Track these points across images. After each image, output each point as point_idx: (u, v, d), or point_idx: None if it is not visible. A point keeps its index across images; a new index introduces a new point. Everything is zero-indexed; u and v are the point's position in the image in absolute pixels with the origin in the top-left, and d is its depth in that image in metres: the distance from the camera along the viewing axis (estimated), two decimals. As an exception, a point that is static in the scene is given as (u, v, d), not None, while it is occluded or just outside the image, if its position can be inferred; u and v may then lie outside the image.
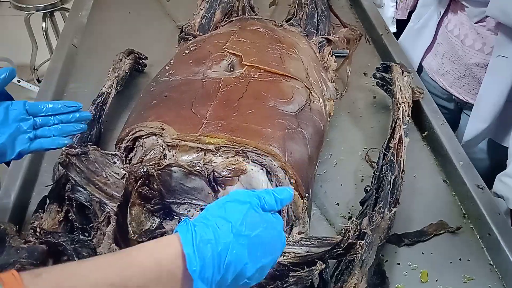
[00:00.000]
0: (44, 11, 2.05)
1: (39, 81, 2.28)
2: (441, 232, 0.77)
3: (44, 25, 2.11)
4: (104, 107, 0.89)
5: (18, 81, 2.17)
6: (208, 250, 0.44)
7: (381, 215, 0.70)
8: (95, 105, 0.88)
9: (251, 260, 0.46)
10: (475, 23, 0.95)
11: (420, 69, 1.17)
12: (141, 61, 1.08)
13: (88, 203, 0.66)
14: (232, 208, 0.48)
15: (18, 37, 2.37)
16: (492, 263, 0.73)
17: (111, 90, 0.92)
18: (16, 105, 0.65)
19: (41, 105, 0.66)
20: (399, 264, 0.72)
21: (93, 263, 0.43)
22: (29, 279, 0.38)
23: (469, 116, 1.06)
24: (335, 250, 0.58)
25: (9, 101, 0.65)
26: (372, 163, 0.88)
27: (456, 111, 1.17)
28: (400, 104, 0.89)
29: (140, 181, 0.64)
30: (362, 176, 0.87)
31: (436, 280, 0.70)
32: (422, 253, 0.74)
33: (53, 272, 0.40)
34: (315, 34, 1.02)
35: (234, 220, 0.47)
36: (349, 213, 0.80)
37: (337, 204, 0.82)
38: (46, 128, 0.66)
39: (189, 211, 0.67)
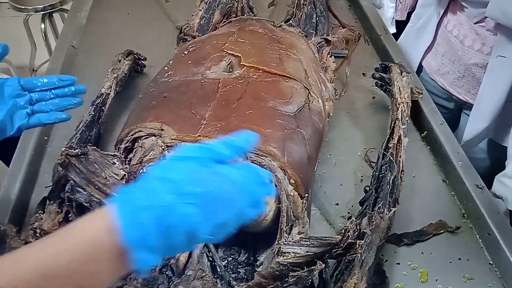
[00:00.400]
0: (43, 12, 2.04)
1: (38, 82, 2.27)
2: (441, 232, 0.77)
3: (43, 26, 2.10)
4: (103, 108, 0.89)
5: (17, 82, 2.16)
6: (146, 216, 0.41)
7: (381, 215, 0.71)
8: (94, 106, 0.87)
9: (204, 218, 0.43)
10: (475, 23, 0.96)
11: (420, 69, 1.18)
12: (140, 62, 1.08)
13: (88, 204, 0.66)
14: (176, 166, 0.45)
15: (17, 38, 2.37)
16: (491, 262, 0.73)
17: (110, 91, 0.92)
18: (11, 81, 0.65)
19: (36, 80, 0.67)
20: (398, 264, 0.72)
21: (16, 256, 0.39)
22: None
23: (468, 116, 1.07)
24: (334, 250, 0.58)
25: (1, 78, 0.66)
26: (372, 163, 0.88)
27: (456, 111, 1.17)
28: (399, 104, 0.89)
29: (139, 182, 0.64)
30: (362, 176, 0.87)
31: (436, 280, 0.70)
32: (422, 252, 0.74)
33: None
34: (314, 35, 1.02)
35: (178, 178, 0.43)
36: (348, 213, 0.80)
37: (337, 204, 0.82)
38: (42, 103, 0.67)
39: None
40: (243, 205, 0.46)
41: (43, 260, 0.38)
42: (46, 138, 0.91)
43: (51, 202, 0.68)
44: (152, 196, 0.42)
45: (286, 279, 0.56)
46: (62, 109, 0.68)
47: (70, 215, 0.66)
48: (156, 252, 0.41)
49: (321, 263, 0.56)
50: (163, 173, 0.44)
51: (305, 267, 0.58)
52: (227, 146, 0.47)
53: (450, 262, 0.73)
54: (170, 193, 0.42)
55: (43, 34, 2.13)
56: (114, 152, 0.71)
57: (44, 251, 0.39)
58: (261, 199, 0.48)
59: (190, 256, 0.65)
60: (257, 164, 0.64)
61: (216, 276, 0.64)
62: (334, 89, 0.92)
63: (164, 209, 0.41)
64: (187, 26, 1.04)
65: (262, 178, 0.48)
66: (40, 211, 0.67)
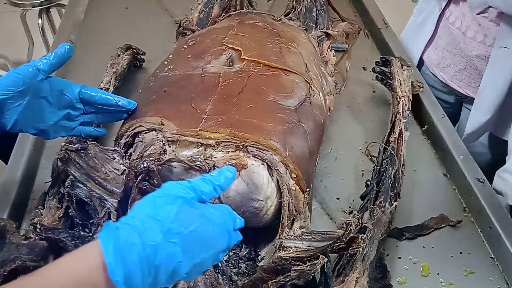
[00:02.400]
0: (40, 7, 2.03)
1: (36, 78, 2.26)
2: (442, 225, 0.77)
3: (40, 21, 2.09)
4: (102, 103, 0.88)
5: (15, 78, 2.15)
6: (133, 255, 0.41)
7: (382, 209, 0.70)
8: (93, 101, 0.87)
9: (186, 257, 0.44)
10: (477, 14, 0.95)
11: (420, 63, 1.17)
12: (139, 57, 1.07)
13: (88, 199, 0.65)
14: (162, 204, 0.45)
15: (14, 33, 2.35)
16: (493, 256, 0.73)
17: (109, 85, 0.92)
18: (71, 90, 0.65)
19: (96, 96, 0.67)
20: (400, 258, 0.72)
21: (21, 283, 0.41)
22: None
23: (469, 110, 1.06)
24: (336, 244, 0.58)
25: (65, 80, 0.65)
26: (372, 158, 0.88)
27: (456, 105, 1.17)
28: (400, 98, 0.89)
29: (140, 177, 0.63)
30: (363, 171, 0.86)
31: (437, 274, 0.70)
32: (423, 246, 0.74)
33: None
34: (314, 29, 1.02)
35: (164, 217, 0.44)
36: (349, 207, 0.80)
37: (338, 198, 0.82)
38: (94, 116, 0.69)
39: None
40: (220, 247, 0.48)
41: None
42: (45, 133, 0.90)
43: (51, 197, 0.67)
44: (142, 233, 0.42)
45: (288, 273, 0.56)
46: (102, 123, 0.71)
47: (70, 211, 0.65)
48: None
49: (324, 257, 0.55)
50: (152, 211, 0.44)
51: (307, 262, 0.58)
52: (208, 184, 0.49)
53: (452, 256, 0.73)
54: (158, 231, 0.43)
55: (41, 29, 2.12)
56: (114, 147, 0.70)
57: (35, 284, 0.40)
58: (234, 242, 0.50)
59: (191, 251, 0.65)
60: (258, 158, 0.64)
61: (217, 271, 0.64)
62: (335, 83, 0.92)
63: (151, 247, 0.42)
64: (186, 20, 1.03)
65: (236, 220, 0.51)
66: (40, 207, 0.67)
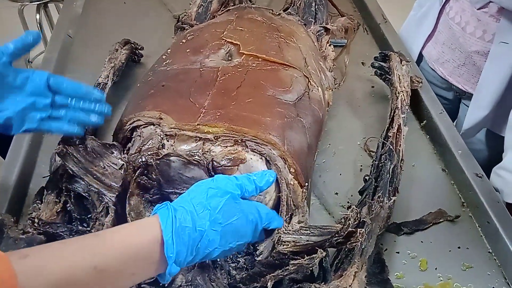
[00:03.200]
0: (38, 3, 2.02)
1: (34, 73, 2.25)
2: (440, 220, 0.77)
3: (38, 16, 2.08)
4: (100, 97, 0.88)
5: (13, 74, 2.14)
6: (185, 236, 0.48)
7: (380, 204, 0.70)
8: (91, 96, 0.86)
9: (221, 244, 0.51)
10: (478, 9, 0.95)
11: (420, 58, 1.17)
12: (137, 52, 1.07)
13: (86, 194, 0.65)
14: (214, 196, 0.51)
15: (12, 29, 2.34)
16: (491, 251, 0.73)
17: (108, 80, 0.91)
18: (39, 76, 0.59)
19: (66, 83, 0.61)
20: (398, 252, 0.73)
21: (77, 245, 0.44)
22: (16, 260, 0.39)
23: (467, 106, 1.06)
24: (335, 239, 0.58)
25: (32, 69, 0.61)
26: (371, 153, 0.88)
27: (455, 101, 1.17)
28: (398, 93, 0.89)
29: (138, 171, 0.63)
30: (361, 166, 0.86)
31: (435, 268, 0.70)
32: (421, 241, 0.74)
33: (39, 253, 0.42)
34: (313, 23, 1.01)
35: (213, 207, 0.50)
36: (348, 202, 0.80)
37: (336, 193, 0.82)
38: (63, 110, 0.61)
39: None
40: (247, 240, 0.55)
41: (94, 253, 0.44)
42: (43, 128, 0.90)
43: (49, 192, 0.67)
44: (194, 218, 0.49)
45: (287, 267, 0.56)
46: (77, 122, 0.62)
47: (68, 205, 0.65)
48: (181, 265, 0.49)
49: (322, 251, 0.55)
50: (205, 200, 0.51)
51: (305, 256, 0.58)
52: (251, 184, 0.55)
53: (450, 250, 0.73)
54: (206, 219, 0.49)
55: (38, 25, 2.11)
56: (112, 141, 0.70)
57: (94, 247, 0.45)
58: (254, 239, 0.57)
59: (189, 245, 0.65)
60: (257, 153, 0.64)
61: (215, 265, 0.64)
62: (334, 78, 0.92)
63: (199, 232, 0.49)
64: (185, 15, 1.02)
65: (266, 221, 0.57)
66: (37, 201, 0.67)
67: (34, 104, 0.59)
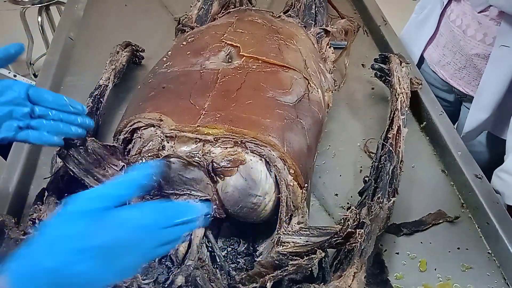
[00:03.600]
0: (39, 5, 2.03)
1: (35, 75, 2.26)
2: (440, 221, 0.77)
3: (40, 19, 2.09)
4: (101, 99, 0.88)
5: (15, 76, 2.15)
6: (41, 280, 0.40)
7: (380, 205, 0.71)
8: (92, 98, 0.87)
9: (105, 268, 0.42)
10: (478, 12, 0.95)
11: (421, 61, 1.17)
12: (138, 54, 1.08)
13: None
14: (71, 221, 0.43)
15: (14, 31, 2.35)
16: (490, 251, 0.73)
17: (109, 82, 0.92)
18: (19, 87, 0.58)
19: (46, 94, 0.60)
20: (398, 253, 0.73)
21: None
22: None
23: (468, 109, 1.06)
24: (334, 239, 0.58)
25: (13, 80, 0.60)
26: (371, 154, 0.88)
27: (456, 104, 1.17)
28: (398, 94, 0.89)
29: (139, 172, 0.63)
30: (361, 167, 0.87)
31: (435, 269, 0.71)
32: (421, 242, 0.74)
33: None
34: (313, 25, 1.02)
35: (72, 234, 0.42)
36: (348, 203, 0.80)
37: (336, 195, 0.82)
38: (42, 120, 0.59)
39: (188, 202, 0.67)
40: (150, 246, 0.46)
41: None
42: (44, 130, 0.90)
43: (50, 193, 0.68)
44: (49, 255, 0.41)
45: (286, 267, 0.56)
46: (58, 133, 0.60)
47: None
48: None
49: (321, 251, 0.56)
50: (60, 229, 0.42)
51: (305, 256, 0.58)
52: (124, 186, 0.46)
53: (449, 251, 0.73)
54: (68, 251, 0.41)
55: (40, 27, 2.12)
56: (113, 143, 0.70)
57: None
58: (176, 236, 0.48)
59: (189, 246, 0.65)
60: (256, 154, 0.64)
61: (215, 266, 0.64)
62: (334, 80, 0.92)
63: (62, 267, 0.40)
64: (186, 17, 1.03)
65: (177, 215, 0.48)
66: (38, 203, 0.67)
67: (12, 112, 0.57)
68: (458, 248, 0.74)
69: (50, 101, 0.59)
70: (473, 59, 1.01)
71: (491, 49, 0.95)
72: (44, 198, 0.67)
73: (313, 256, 0.55)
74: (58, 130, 0.60)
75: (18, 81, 0.60)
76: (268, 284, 0.56)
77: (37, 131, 0.59)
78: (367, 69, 1.08)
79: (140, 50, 1.08)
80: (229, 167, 0.63)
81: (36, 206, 0.66)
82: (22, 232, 0.58)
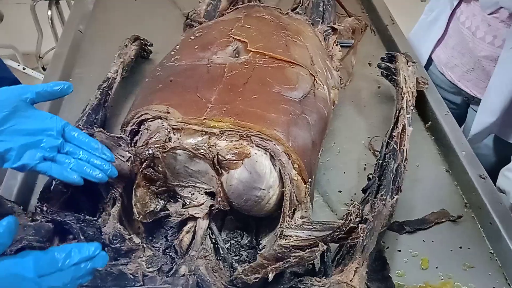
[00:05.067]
0: (49, -1, 2.05)
1: (44, 69, 2.28)
2: (443, 220, 0.77)
3: (49, 13, 2.11)
4: (109, 91, 0.89)
5: (24, 68, 2.18)
6: None
7: (383, 202, 0.71)
8: (100, 90, 0.88)
9: None
10: (488, 14, 0.95)
11: (429, 62, 1.17)
12: (146, 48, 1.09)
13: (94, 184, 0.66)
14: None
15: (24, 25, 2.37)
16: (492, 251, 0.74)
17: (117, 75, 0.93)
18: (55, 120, 0.58)
19: (81, 134, 0.60)
20: (400, 251, 0.73)
21: None
22: None
23: (476, 111, 1.06)
24: (336, 233, 0.58)
25: (53, 115, 0.59)
26: (375, 152, 0.88)
27: (463, 106, 1.17)
28: (404, 93, 0.89)
29: (145, 163, 0.64)
30: (365, 165, 0.87)
31: (436, 267, 0.71)
32: (423, 240, 0.75)
33: None
34: (320, 23, 1.02)
35: None
36: (351, 200, 0.81)
37: (340, 191, 0.82)
38: (70, 157, 0.58)
39: (193, 194, 0.68)
40: None
41: None
42: (52, 120, 0.91)
43: (57, 182, 0.68)
44: None
45: (288, 259, 0.56)
46: (82, 175, 0.59)
47: (78, 196, 0.67)
48: None
49: (323, 244, 0.56)
50: None
51: (307, 250, 0.59)
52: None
53: (451, 250, 0.74)
54: None
55: (50, 21, 2.14)
56: (120, 134, 0.71)
57: None
58: (65, 279, 0.47)
59: (193, 237, 0.66)
60: (261, 148, 0.65)
61: (218, 258, 0.65)
62: (340, 77, 0.92)
63: None
64: (194, 13, 1.04)
65: (61, 259, 0.47)
66: (46, 191, 0.68)
67: (39, 142, 0.56)
68: (460, 247, 0.74)
69: (82, 141, 0.60)
70: (481, 61, 1.01)
71: (500, 51, 0.95)
72: (52, 187, 0.68)
73: (315, 248, 0.55)
74: (82, 171, 0.59)
75: (56, 116, 0.59)
76: (270, 275, 0.56)
77: (60, 165, 0.58)
78: (373, 67, 1.08)
79: (149, 44, 1.09)
80: (234, 160, 0.64)
81: (44, 194, 0.67)
82: (30, 218, 0.59)
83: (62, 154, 0.58)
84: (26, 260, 0.46)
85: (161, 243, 0.69)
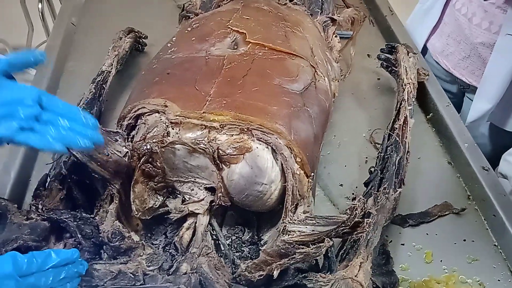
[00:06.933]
0: (40, -8, 2.00)
1: (35, 63, 2.24)
2: (446, 213, 0.77)
3: (40, 6, 2.06)
4: (104, 85, 0.87)
5: (14, 63, 2.13)
6: None
7: (386, 195, 0.70)
8: (95, 84, 0.86)
9: None
10: (484, 0, 0.94)
11: (424, 51, 1.16)
12: (141, 40, 1.06)
13: (90, 181, 0.65)
14: None
15: (14, 18, 2.32)
16: (496, 244, 0.73)
17: (111, 68, 0.90)
18: (29, 90, 0.53)
19: (59, 102, 0.55)
20: (403, 244, 0.72)
21: None
22: None
23: (471, 100, 1.05)
24: (341, 228, 0.57)
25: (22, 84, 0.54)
26: (376, 145, 0.87)
27: (458, 95, 1.16)
28: (405, 85, 0.88)
29: (143, 159, 0.63)
30: (366, 158, 0.86)
31: (441, 261, 0.70)
32: (427, 234, 0.74)
33: None
34: (319, 14, 1.00)
35: None
36: (352, 194, 0.80)
37: (341, 185, 0.81)
38: (49, 126, 0.54)
39: (193, 189, 0.66)
40: None
41: None
42: (46, 115, 0.89)
43: (52, 179, 0.67)
44: None
45: (293, 255, 0.55)
46: (65, 144, 0.54)
47: (74, 193, 0.65)
48: None
49: (329, 239, 0.55)
50: None
51: (311, 245, 0.57)
52: None
53: (455, 243, 0.73)
54: None
55: (41, 14, 2.09)
56: (116, 129, 0.69)
57: None
58: (45, 281, 0.47)
59: (193, 234, 0.65)
60: (263, 141, 0.63)
61: (219, 254, 0.64)
62: (340, 69, 0.91)
63: None
64: (190, 4, 1.01)
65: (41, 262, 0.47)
66: (41, 188, 0.66)
67: (13, 112, 0.52)
68: (464, 240, 0.73)
69: (62, 108, 0.55)
70: (477, 48, 1.00)
71: (497, 37, 0.94)
72: (47, 184, 0.66)
73: (321, 244, 0.54)
74: (64, 139, 0.54)
75: (31, 86, 0.55)
76: (275, 272, 0.55)
77: (40, 135, 0.53)
78: (373, 59, 1.07)
79: (143, 36, 1.06)
80: (235, 155, 0.62)
81: (38, 191, 0.65)
82: (25, 217, 0.57)
83: (41, 124, 0.54)
84: (5, 258, 0.46)
85: (160, 240, 0.67)
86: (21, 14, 2.16)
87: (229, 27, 0.80)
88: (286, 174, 0.63)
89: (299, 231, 0.60)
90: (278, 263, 0.55)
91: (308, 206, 0.66)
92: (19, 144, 0.53)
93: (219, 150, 0.62)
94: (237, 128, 0.63)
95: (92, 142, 0.56)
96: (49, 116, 0.54)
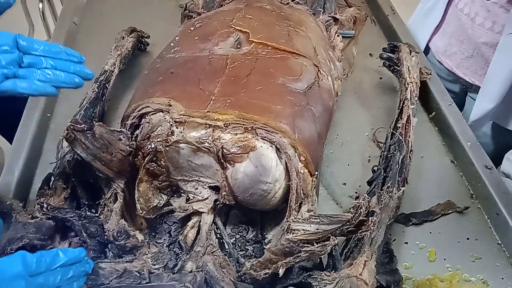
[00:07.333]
0: (41, -8, 2.00)
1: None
2: (449, 212, 0.77)
3: (41, 5, 2.06)
4: (107, 85, 0.87)
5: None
6: None
7: (390, 194, 0.70)
8: (97, 83, 0.86)
9: None
10: (487, 0, 0.94)
11: (426, 51, 1.16)
12: (143, 40, 1.06)
13: (94, 180, 0.65)
14: None
15: (14, 18, 2.32)
16: (500, 242, 0.73)
17: (114, 68, 0.90)
18: (3, 35, 0.51)
19: (38, 43, 0.53)
20: (407, 243, 0.72)
21: None
22: None
23: (474, 100, 1.06)
24: (346, 227, 0.57)
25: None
26: (379, 143, 0.87)
27: (461, 95, 1.16)
28: (408, 84, 0.88)
29: (147, 158, 0.63)
30: (369, 156, 0.86)
31: (444, 259, 0.70)
32: (430, 232, 0.74)
33: None
34: (321, 13, 1.00)
35: None
36: (356, 192, 0.80)
37: (344, 184, 0.81)
38: (33, 69, 0.52)
39: (197, 188, 0.66)
40: None
41: None
42: (49, 115, 0.89)
43: (57, 178, 0.67)
44: None
45: (299, 254, 0.55)
46: (54, 84, 0.53)
47: (79, 192, 0.65)
48: None
49: (334, 238, 0.55)
50: None
51: (315, 244, 0.58)
52: None
53: (458, 241, 0.73)
54: None
55: (41, 14, 2.09)
56: (120, 128, 0.69)
57: None
58: (54, 280, 0.47)
59: (198, 233, 0.65)
60: (267, 140, 0.63)
61: (224, 253, 0.64)
62: (343, 68, 0.91)
63: None
64: (192, 3, 1.01)
65: (50, 261, 0.47)
66: (45, 187, 0.66)
67: None
68: (468, 239, 0.73)
69: (42, 49, 0.53)
70: (481, 48, 1.00)
71: (500, 37, 0.94)
72: (51, 183, 0.66)
73: (326, 242, 0.54)
74: (52, 79, 0.52)
75: (5, 32, 0.52)
76: (280, 270, 0.55)
77: (27, 80, 0.51)
78: (375, 58, 1.07)
79: (146, 36, 1.06)
80: (239, 154, 0.62)
81: (42, 190, 0.65)
82: (30, 216, 0.57)
83: (24, 68, 0.52)
84: (15, 257, 0.46)
85: (164, 239, 0.67)
86: (22, 14, 2.16)
87: (232, 27, 0.80)
88: (290, 173, 0.64)
89: (303, 229, 0.60)
90: (284, 261, 0.55)
91: (312, 204, 0.66)
92: (8, 93, 0.51)
93: (223, 149, 0.62)
94: (241, 127, 0.63)
95: (81, 78, 0.54)
96: (30, 58, 0.52)
